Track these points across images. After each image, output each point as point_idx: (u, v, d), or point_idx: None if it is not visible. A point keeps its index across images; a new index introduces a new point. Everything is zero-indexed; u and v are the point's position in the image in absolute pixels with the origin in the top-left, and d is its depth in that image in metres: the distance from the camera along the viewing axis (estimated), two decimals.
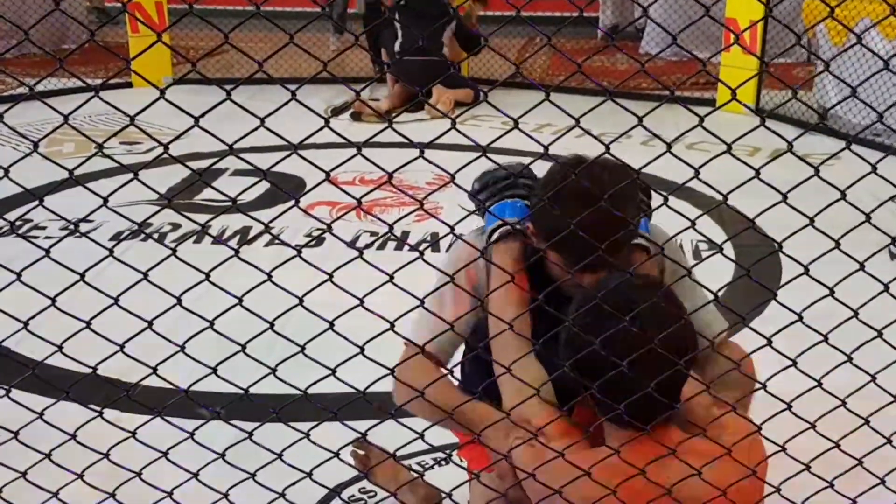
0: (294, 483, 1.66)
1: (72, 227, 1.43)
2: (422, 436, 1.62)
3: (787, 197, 1.44)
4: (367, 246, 4.20)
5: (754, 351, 1.69)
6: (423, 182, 4.78)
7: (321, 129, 1.39)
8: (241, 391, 1.57)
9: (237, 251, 1.45)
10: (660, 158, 1.47)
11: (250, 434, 1.59)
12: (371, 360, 1.52)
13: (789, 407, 1.59)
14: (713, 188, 1.49)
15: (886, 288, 1.59)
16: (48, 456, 1.61)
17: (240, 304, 1.43)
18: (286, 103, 1.37)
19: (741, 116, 5.07)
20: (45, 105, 1.35)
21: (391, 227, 1.45)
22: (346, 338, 1.47)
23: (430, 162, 1.41)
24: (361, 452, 2.39)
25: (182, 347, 1.47)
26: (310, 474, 1.63)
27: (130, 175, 1.34)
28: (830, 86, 5.91)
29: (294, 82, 1.35)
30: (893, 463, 1.80)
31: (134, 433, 1.60)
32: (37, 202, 1.44)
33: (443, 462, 2.61)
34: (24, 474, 1.64)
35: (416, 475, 2.41)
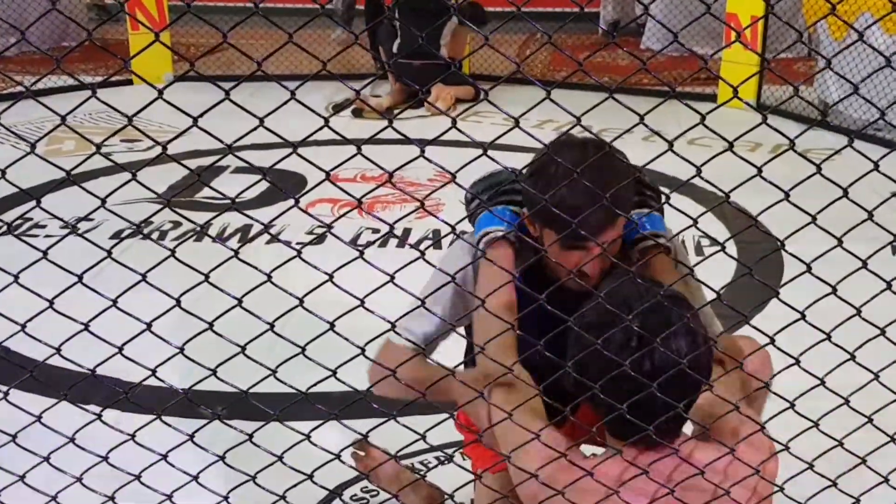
0: (295, 485, 1.65)
1: (70, 227, 1.42)
2: (423, 437, 1.62)
3: (788, 195, 1.43)
4: (369, 244, 4.20)
5: (758, 349, 1.68)
6: (425, 179, 4.77)
7: (321, 128, 1.38)
8: (241, 392, 1.56)
9: (237, 252, 1.44)
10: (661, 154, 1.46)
11: (250, 436, 1.58)
12: (372, 360, 1.51)
13: (792, 405, 1.59)
14: (714, 185, 1.48)
15: (889, 285, 1.58)
16: (47, 459, 1.60)
17: (239, 304, 1.42)
18: (286, 102, 1.36)
19: (742, 112, 5.06)
20: (42, 105, 1.34)
21: (392, 226, 1.45)
22: (346, 339, 1.46)
23: (430, 161, 1.40)
24: (362, 454, 2.38)
25: (181, 349, 1.47)
26: (311, 476, 1.62)
27: (130, 174, 1.34)
28: (831, 81, 5.90)
29: (295, 79, 1.35)
30: None
31: (133, 436, 1.59)
32: (35, 202, 1.43)
33: (445, 461, 2.60)
34: (22, 477, 1.64)
35: (417, 476, 2.40)
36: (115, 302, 1.41)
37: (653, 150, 1.45)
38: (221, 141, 1.33)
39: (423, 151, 1.34)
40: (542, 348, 1.50)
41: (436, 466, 2.60)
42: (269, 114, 1.30)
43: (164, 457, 1.62)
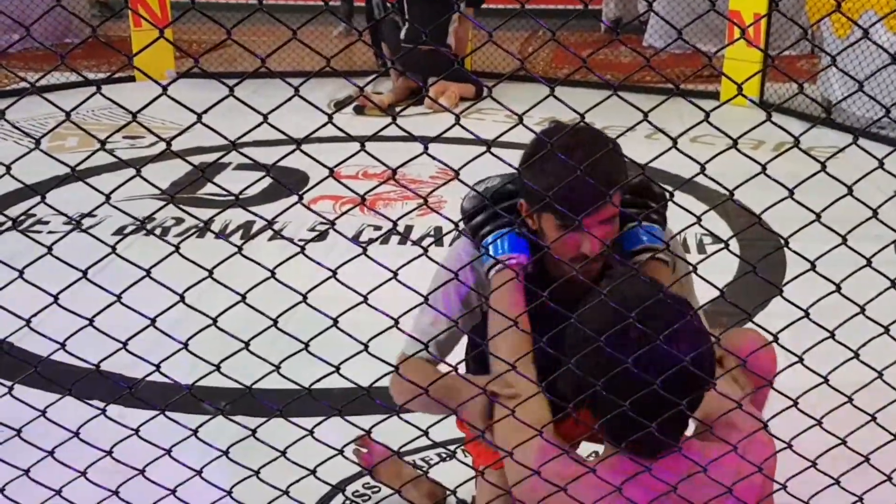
0: (298, 481, 1.65)
1: (74, 223, 1.42)
2: (426, 433, 1.62)
3: (793, 193, 1.43)
4: (371, 241, 4.20)
5: (761, 347, 1.68)
6: (427, 176, 4.77)
7: (324, 125, 1.38)
8: (245, 388, 1.57)
9: (240, 248, 1.44)
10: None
11: (254, 431, 1.59)
12: (375, 356, 1.51)
13: (795, 403, 1.59)
14: (717, 182, 1.48)
15: (893, 283, 1.58)
16: (51, 453, 1.61)
17: (242, 300, 1.42)
18: (289, 100, 1.36)
19: (745, 109, 5.06)
20: (47, 101, 1.34)
21: (395, 224, 1.45)
22: (349, 335, 1.46)
23: (433, 158, 1.40)
24: (364, 450, 2.38)
25: (185, 345, 1.47)
26: (314, 472, 1.62)
27: (133, 170, 1.34)
28: (835, 78, 5.89)
29: (298, 76, 1.35)
30: None
31: (137, 430, 1.59)
32: (40, 198, 1.43)
33: (447, 457, 2.61)
34: (27, 472, 1.64)
35: (419, 472, 2.40)
36: (119, 297, 1.41)
37: (656, 146, 1.45)
38: (225, 137, 1.33)
39: (426, 148, 1.34)
40: (545, 347, 1.50)
41: (438, 463, 2.60)
42: (273, 110, 1.31)
43: (168, 452, 1.63)
